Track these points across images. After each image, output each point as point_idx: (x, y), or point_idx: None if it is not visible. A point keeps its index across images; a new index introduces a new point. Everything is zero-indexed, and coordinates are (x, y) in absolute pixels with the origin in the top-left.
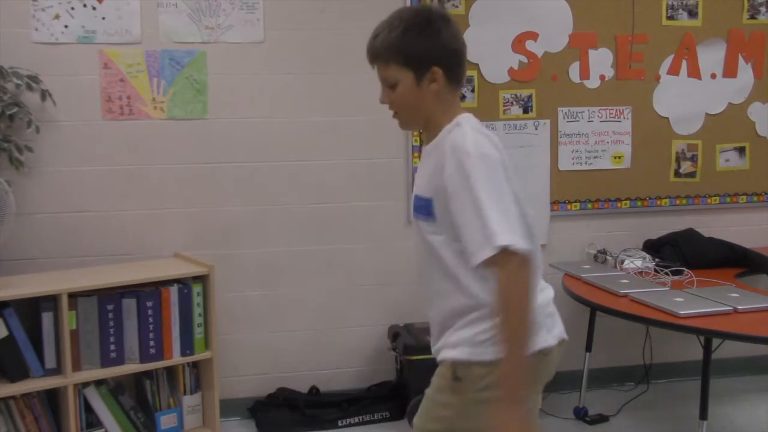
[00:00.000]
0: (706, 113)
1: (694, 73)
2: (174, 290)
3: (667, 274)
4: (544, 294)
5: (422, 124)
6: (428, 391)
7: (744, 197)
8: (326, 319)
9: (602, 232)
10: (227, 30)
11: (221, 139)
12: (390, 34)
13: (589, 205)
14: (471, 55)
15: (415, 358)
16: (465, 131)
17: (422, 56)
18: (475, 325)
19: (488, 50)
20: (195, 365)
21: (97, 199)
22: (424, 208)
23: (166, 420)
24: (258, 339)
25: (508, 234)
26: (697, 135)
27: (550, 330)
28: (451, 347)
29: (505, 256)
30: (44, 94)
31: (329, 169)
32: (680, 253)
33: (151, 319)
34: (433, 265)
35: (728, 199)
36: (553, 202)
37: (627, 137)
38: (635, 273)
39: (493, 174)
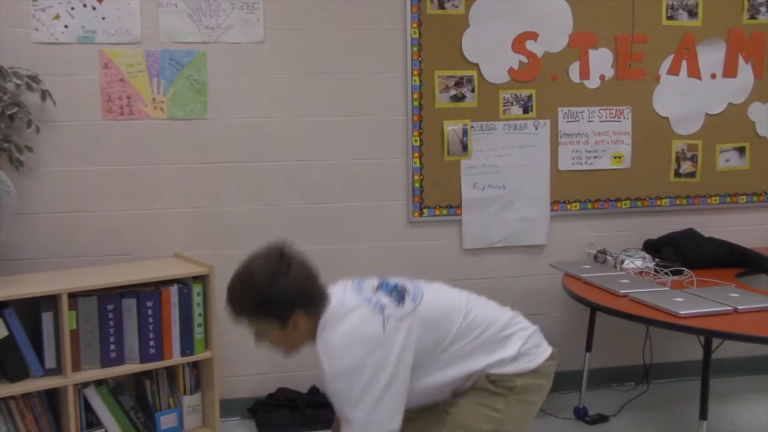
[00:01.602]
0: (706, 113)
1: (694, 73)
2: (174, 290)
3: (667, 274)
4: (526, 331)
5: (300, 348)
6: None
7: (744, 197)
8: None
9: (602, 232)
10: (227, 30)
11: (221, 139)
12: (243, 293)
13: (589, 205)
14: (471, 55)
15: None
16: (328, 341)
17: (279, 307)
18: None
19: (488, 50)
20: (195, 365)
21: (97, 199)
22: None
23: (166, 420)
24: None
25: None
26: (697, 135)
27: (536, 353)
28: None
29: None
30: (44, 94)
31: (329, 169)
32: (680, 253)
33: (151, 319)
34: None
35: (728, 199)
36: (553, 202)
37: (627, 137)
38: (635, 273)
39: (349, 381)
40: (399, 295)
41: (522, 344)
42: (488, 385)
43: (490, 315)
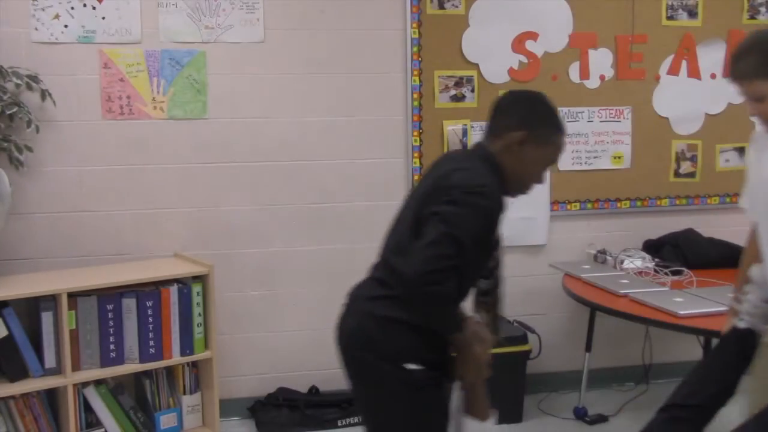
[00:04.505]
0: (706, 113)
1: (694, 73)
2: (174, 290)
3: (666, 274)
4: None
5: None
6: None
7: None
8: (326, 319)
9: (602, 232)
10: (227, 30)
11: (221, 138)
12: (751, 56)
13: (589, 205)
14: (471, 55)
15: None
16: None
17: None
18: None
19: (488, 50)
20: (195, 365)
21: (97, 199)
22: None
23: (165, 420)
24: (258, 339)
25: None
26: (697, 135)
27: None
28: None
29: None
30: (44, 94)
31: (329, 169)
32: (680, 253)
33: (150, 319)
34: None
35: (728, 199)
36: (553, 202)
37: (627, 137)
38: (635, 273)
39: None
40: None
41: None
42: None
43: None
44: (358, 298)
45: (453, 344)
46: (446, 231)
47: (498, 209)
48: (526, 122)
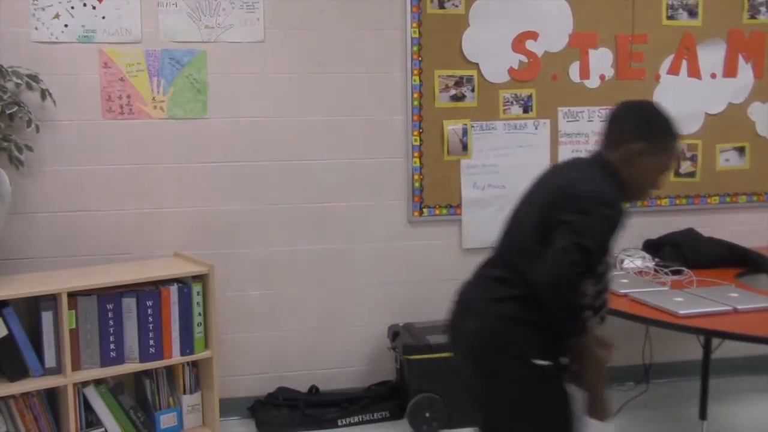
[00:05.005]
0: (706, 113)
1: (694, 72)
2: (174, 289)
3: (666, 273)
4: None
5: None
6: None
7: (744, 197)
8: (326, 318)
9: None
10: (227, 29)
11: (221, 138)
12: None
13: None
14: (471, 54)
15: (414, 357)
16: None
17: None
18: None
19: (488, 50)
20: (195, 364)
21: (97, 199)
22: None
23: (165, 419)
24: (258, 339)
25: None
26: (697, 135)
27: None
28: None
29: None
30: (44, 94)
31: (329, 169)
32: (680, 253)
33: (150, 319)
34: None
35: (728, 199)
36: None
37: None
38: (635, 273)
39: None
40: None
41: None
42: None
43: None
44: (477, 299)
45: (577, 346)
46: (576, 240)
47: (621, 219)
48: (644, 133)
